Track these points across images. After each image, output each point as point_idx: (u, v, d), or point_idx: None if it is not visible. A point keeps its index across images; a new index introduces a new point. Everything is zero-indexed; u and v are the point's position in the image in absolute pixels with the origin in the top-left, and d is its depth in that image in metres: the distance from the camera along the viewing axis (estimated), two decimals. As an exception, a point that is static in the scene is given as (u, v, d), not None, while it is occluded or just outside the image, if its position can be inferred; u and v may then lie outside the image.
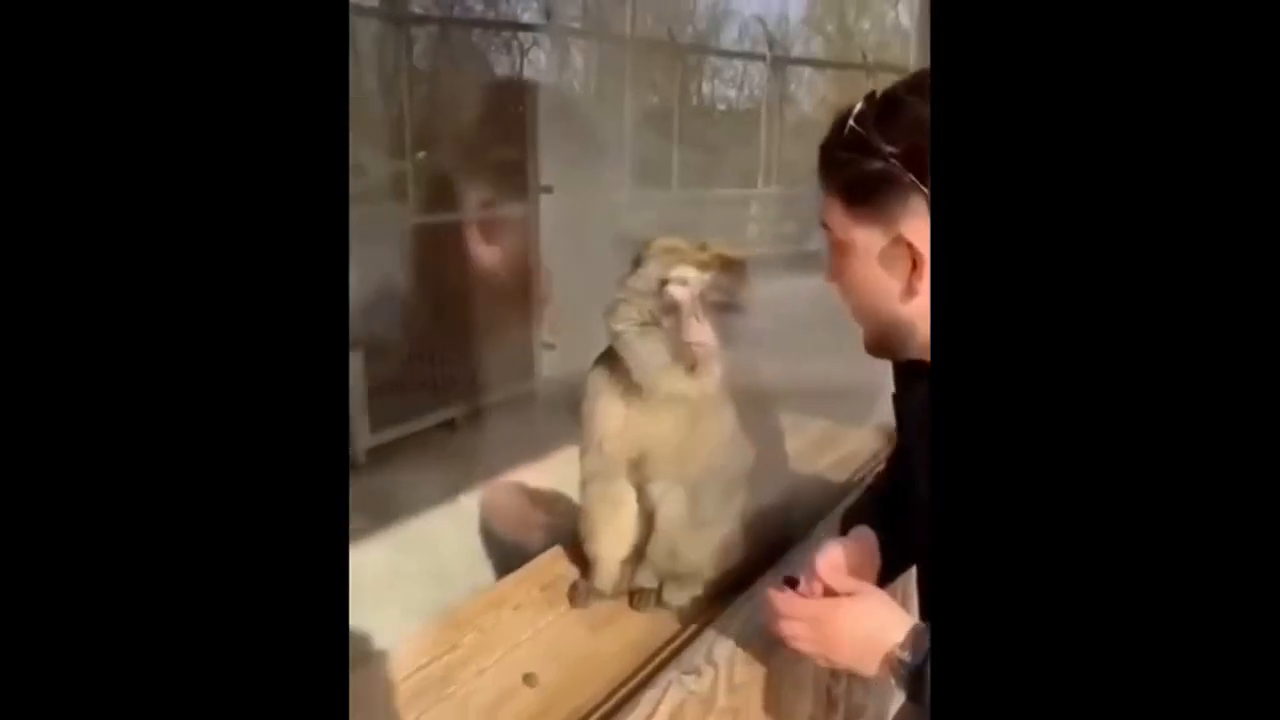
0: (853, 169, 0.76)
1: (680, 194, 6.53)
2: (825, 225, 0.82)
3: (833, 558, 0.91)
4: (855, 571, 0.91)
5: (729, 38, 8.36)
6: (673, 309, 1.09)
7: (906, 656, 0.79)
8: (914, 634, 0.80)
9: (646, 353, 1.10)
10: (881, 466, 1.15)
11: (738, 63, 8.07)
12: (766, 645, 1.12)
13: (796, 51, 8.28)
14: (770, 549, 1.34)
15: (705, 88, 8.48)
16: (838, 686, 1.47)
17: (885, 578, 0.97)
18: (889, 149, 0.73)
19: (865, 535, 0.96)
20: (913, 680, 0.79)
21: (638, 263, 1.13)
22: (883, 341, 0.85)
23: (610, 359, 1.18)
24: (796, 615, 0.88)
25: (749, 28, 7.93)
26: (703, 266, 1.09)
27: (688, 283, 1.08)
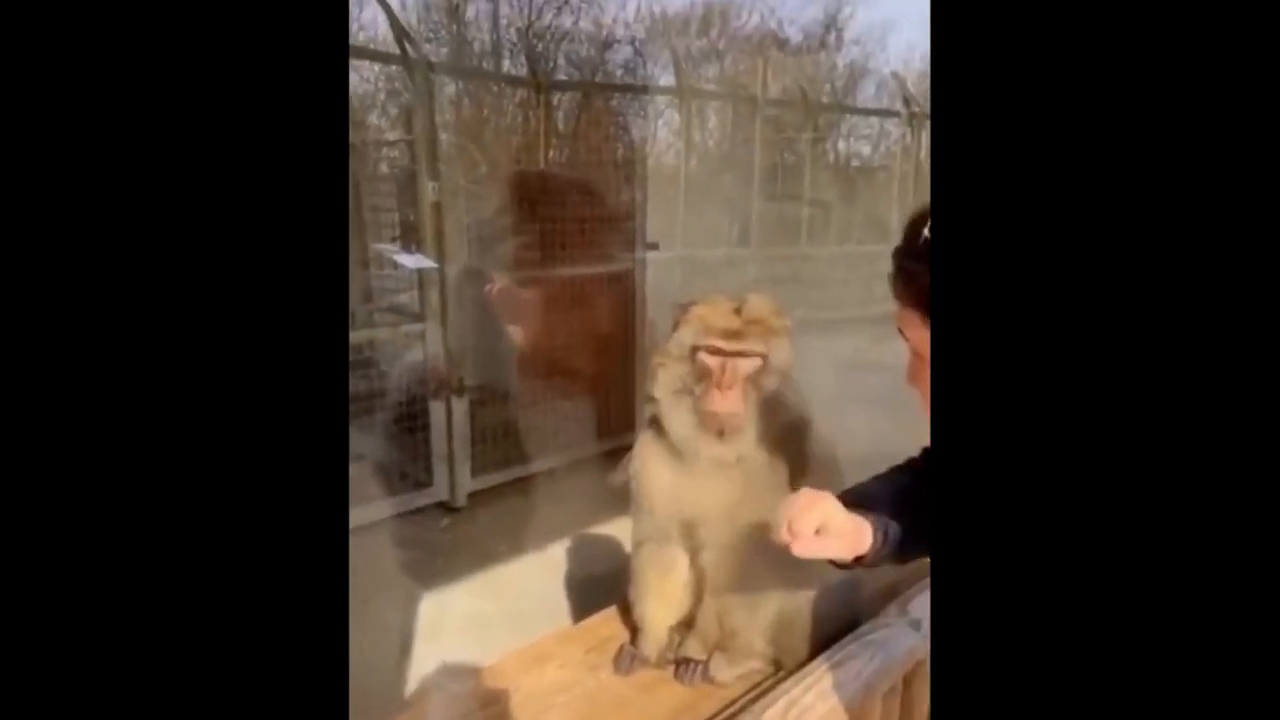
0: (928, 281, 0.67)
1: (806, 249, 6.47)
2: (902, 333, 0.77)
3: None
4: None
5: (865, 95, 8.28)
6: (703, 376, 1.07)
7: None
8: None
9: (677, 420, 1.09)
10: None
11: (874, 120, 7.95)
12: (811, 733, 1.05)
13: (936, 106, 8.04)
14: (836, 627, 1.26)
15: (841, 145, 8.40)
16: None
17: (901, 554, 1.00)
18: None
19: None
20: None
21: (675, 327, 1.12)
22: None
23: (658, 423, 1.17)
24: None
25: (886, 85, 7.83)
26: (732, 335, 1.06)
27: (718, 350, 1.06)
